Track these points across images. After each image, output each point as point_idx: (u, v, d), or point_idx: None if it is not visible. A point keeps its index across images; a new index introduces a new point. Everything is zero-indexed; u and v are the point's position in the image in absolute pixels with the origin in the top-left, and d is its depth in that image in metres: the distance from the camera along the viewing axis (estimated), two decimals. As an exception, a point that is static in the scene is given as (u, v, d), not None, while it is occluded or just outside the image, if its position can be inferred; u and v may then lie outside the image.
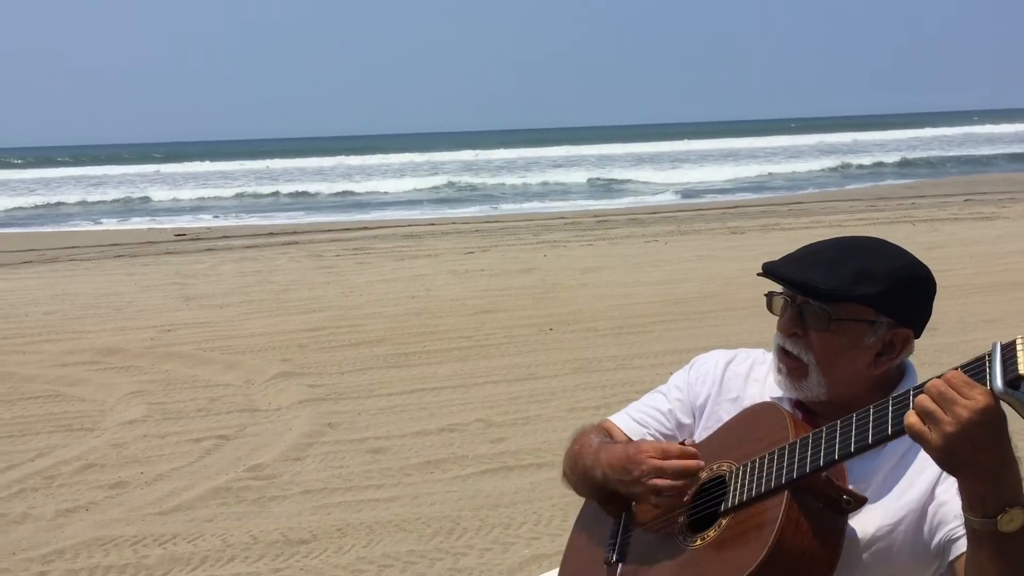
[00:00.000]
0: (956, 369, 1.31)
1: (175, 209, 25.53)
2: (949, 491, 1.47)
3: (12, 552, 4.04)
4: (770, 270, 1.64)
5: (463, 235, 15.56)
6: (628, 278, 10.21)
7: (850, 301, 1.56)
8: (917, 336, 1.62)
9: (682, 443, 1.67)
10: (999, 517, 1.29)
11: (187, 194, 29.81)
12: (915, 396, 1.33)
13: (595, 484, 1.77)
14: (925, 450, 1.31)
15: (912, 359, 1.66)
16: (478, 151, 51.38)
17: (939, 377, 1.31)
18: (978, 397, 1.26)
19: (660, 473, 1.61)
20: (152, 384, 6.58)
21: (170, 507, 4.46)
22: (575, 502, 1.96)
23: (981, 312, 7.60)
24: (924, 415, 1.29)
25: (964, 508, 1.34)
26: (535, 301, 9.04)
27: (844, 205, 18.43)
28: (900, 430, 1.35)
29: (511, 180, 31.84)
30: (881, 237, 1.68)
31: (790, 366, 1.62)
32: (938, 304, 1.68)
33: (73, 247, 15.72)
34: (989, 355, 1.27)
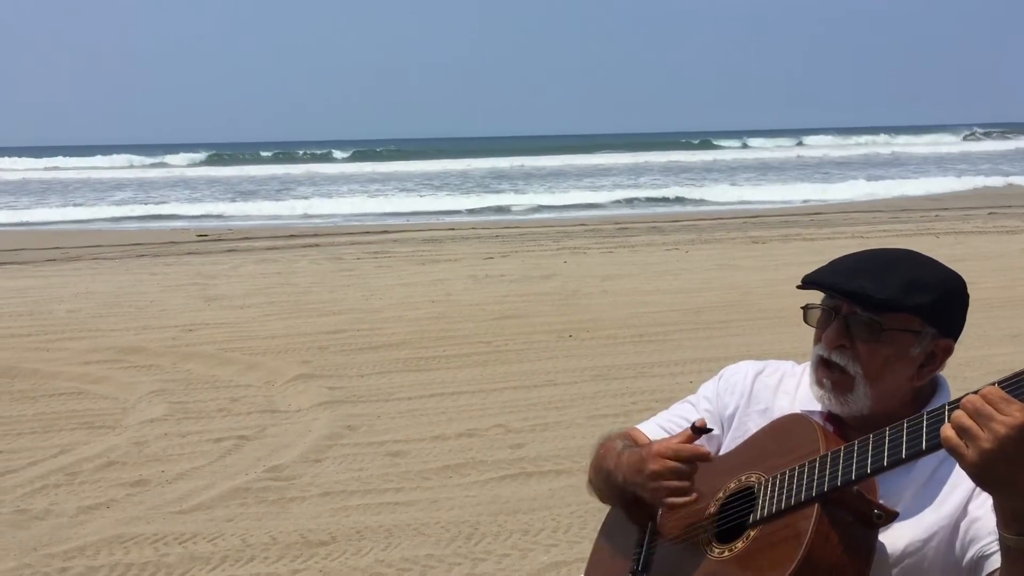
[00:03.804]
0: (993, 384, 1.29)
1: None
2: (982, 507, 1.46)
3: (34, 548, 4.07)
4: (816, 280, 1.60)
5: (483, 240, 15.58)
6: (648, 286, 10.19)
7: (903, 311, 1.54)
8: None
9: (693, 425, 1.66)
10: None
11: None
12: (951, 411, 1.32)
13: (617, 487, 1.76)
14: (961, 466, 1.30)
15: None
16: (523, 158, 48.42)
17: (975, 392, 1.30)
18: (1016, 413, 1.25)
19: (668, 469, 1.61)
20: (173, 383, 6.62)
21: (190, 506, 4.48)
22: (594, 509, 1.95)
23: (1005, 327, 7.53)
24: (961, 431, 1.28)
25: (999, 525, 1.33)
26: (555, 307, 9.03)
27: (866, 216, 18.32)
28: (934, 445, 1.34)
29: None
30: (910, 248, 1.68)
31: (835, 379, 1.59)
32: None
33: (96, 246, 15.85)
34: None
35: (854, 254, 1.66)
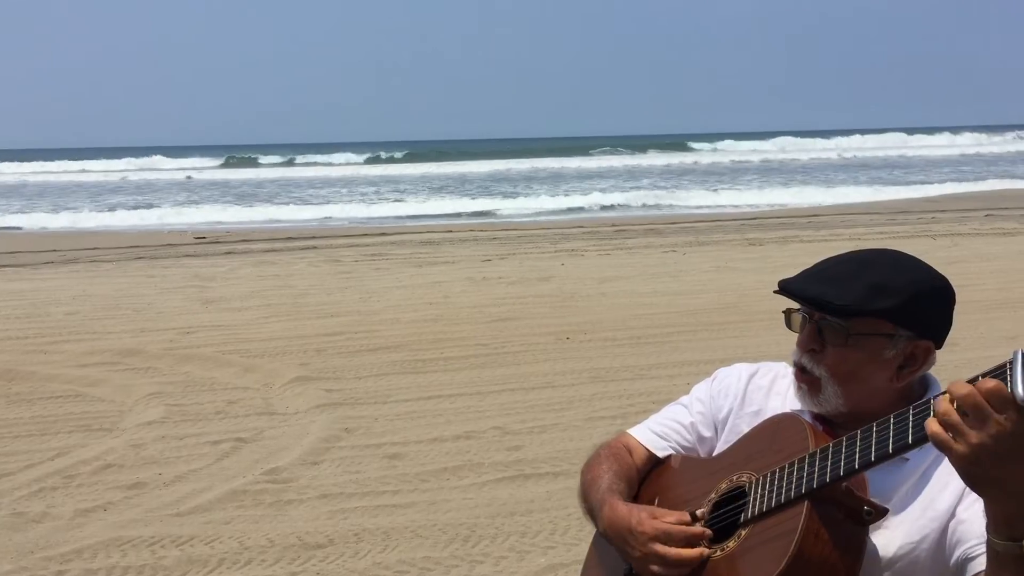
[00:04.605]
0: (979, 376, 1.29)
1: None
2: (970, 509, 1.46)
3: (31, 551, 4.07)
4: (785, 287, 1.64)
5: (481, 242, 15.58)
6: (646, 288, 10.20)
7: (866, 315, 1.55)
8: (938, 347, 1.62)
9: (691, 515, 1.61)
10: None
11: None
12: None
13: (598, 529, 1.78)
14: (949, 460, 1.30)
15: (933, 373, 1.66)
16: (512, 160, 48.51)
17: (969, 382, 1.28)
18: (1013, 415, 1.24)
19: (661, 560, 1.58)
20: (171, 386, 6.62)
21: (187, 509, 4.48)
22: (593, 512, 1.96)
23: (1002, 328, 7.55)
24: (948, 424, 1.28)
25: (988, 529, 1.33)
26: (553, 309, 9.04)
27: (863, 218, 18.34)
28: (920, 438, 1.34)
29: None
30: (898, 250, 1.69)
31: (808, 383, 1.63)
32: (958, 319, 1.67)
33: (94, 248, 15.84)
34: (1011, 363, 1.26)
35: (836, 257, 1.68)
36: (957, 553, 1.48)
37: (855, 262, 1.62)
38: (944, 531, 1.51)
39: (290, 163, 53.49)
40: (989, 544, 1.33)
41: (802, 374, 1.63)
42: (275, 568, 3.90)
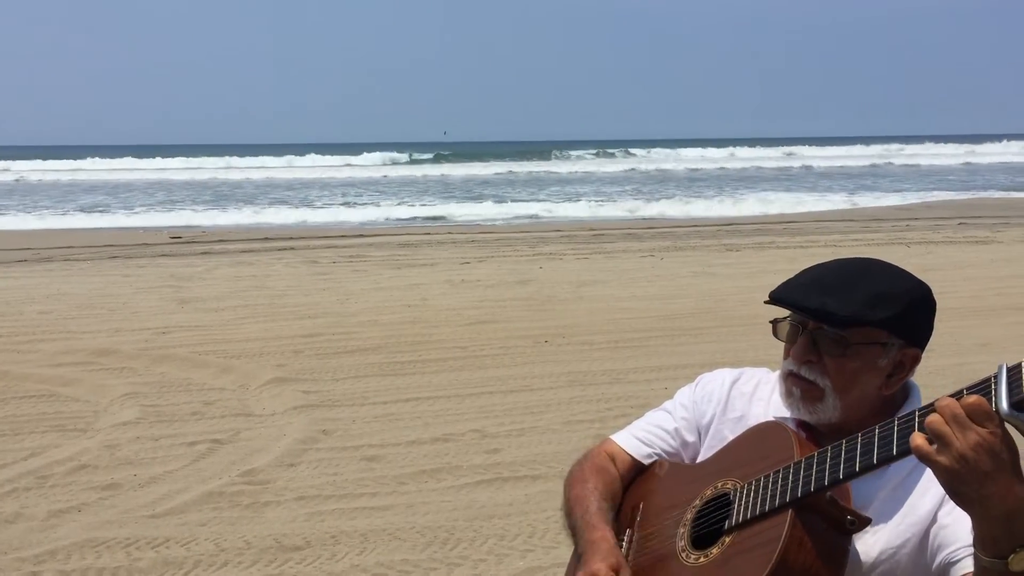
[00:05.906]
0: (964, 391, 1.31)
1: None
2: (951, 514, 1.47)
3: (4, 552, 4.03)
4: (782, 297, 1.62)
5: (459, 245, 15.57)
6: (624, 292, 10.23)
7: (868, 325, 1.56)
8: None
9: None
10: (1010, 557, 1.29)
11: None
12: (922, 418, 1.33)
13: (576, 550, 1.77)
14: (935, 475, 1.31)
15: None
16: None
17: (954, 397, 1.30)
18: (996, 430, 1.25)
19: None
20: (146, 386, 6.57)
21: (163, 510, 4.45)
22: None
23: (976, 336, 7.63)
24: (935, 437, 1.28)
25: (975, 545, 1.34)
26: (531, 313, 9.05)
27: (838, 225, 18.48)
28: (904, 450, 1.35)
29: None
30: (876, 258, 1.70)
31: (804, 388, 1.61)
32: (934, 326, 1.69)
33: (68, 247, 15.69)
34: (995, 377, 1.27)
35: (819, 266, 1.67)
36: (939, 558, 1.49)
37: (845, 271, 1.62)
38: (925, 536, 1.52)
39: (267, 165, 53.22)
40: (976, 559, 1.34)
41: (800, 380, 1.61)
42: (251, 570, 3.88)
